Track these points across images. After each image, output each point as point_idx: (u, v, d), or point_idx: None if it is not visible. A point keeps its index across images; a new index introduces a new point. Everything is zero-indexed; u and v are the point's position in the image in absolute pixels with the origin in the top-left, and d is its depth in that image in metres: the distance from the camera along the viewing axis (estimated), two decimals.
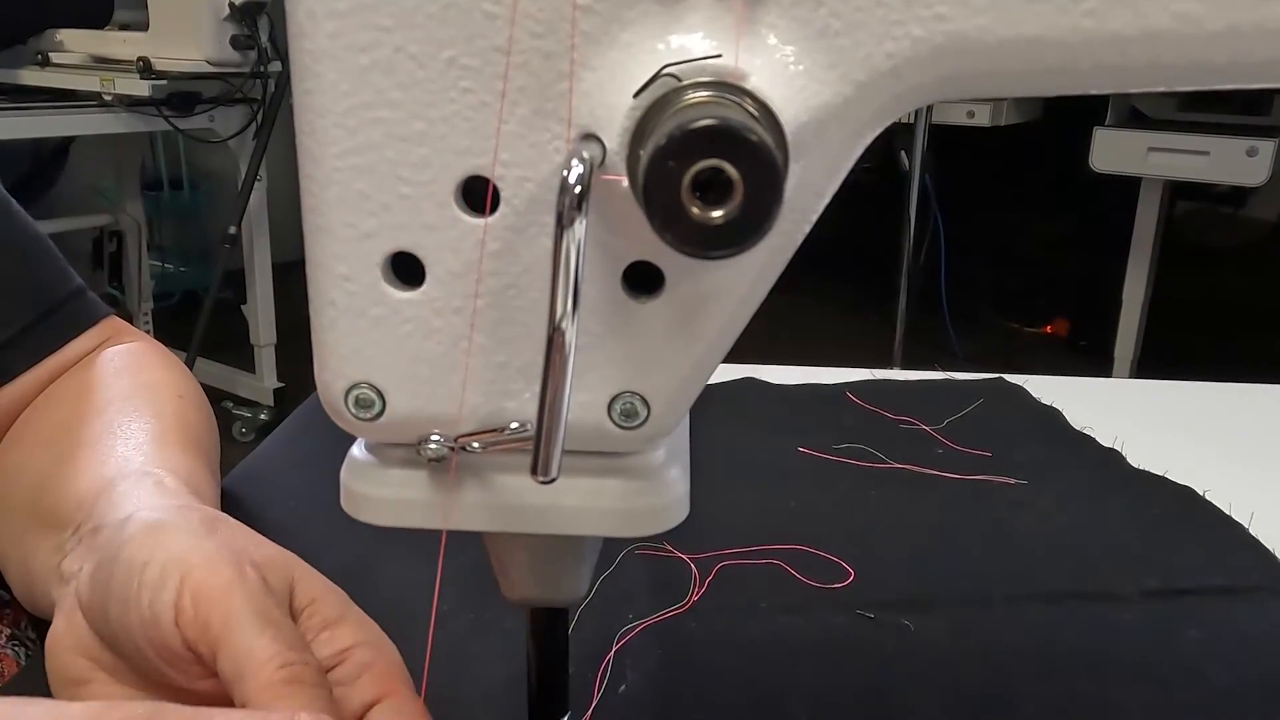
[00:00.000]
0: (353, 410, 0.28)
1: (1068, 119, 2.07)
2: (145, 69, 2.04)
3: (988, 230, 3.12)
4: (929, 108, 2.11)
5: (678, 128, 0.21)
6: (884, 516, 0.60)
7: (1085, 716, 0.44)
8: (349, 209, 0.26)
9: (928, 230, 2.46)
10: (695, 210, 0.22)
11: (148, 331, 2.51)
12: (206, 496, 0.45)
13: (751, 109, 0.23)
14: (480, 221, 0.26)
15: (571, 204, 0.22)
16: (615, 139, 0.24)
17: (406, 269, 0.27)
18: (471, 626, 0.48)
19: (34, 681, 0.40)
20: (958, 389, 0.79)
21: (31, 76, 2.23)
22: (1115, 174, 2.00)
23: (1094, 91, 0.26)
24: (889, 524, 0.59)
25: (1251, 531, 0.58)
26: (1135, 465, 0.67)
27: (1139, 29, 0.23)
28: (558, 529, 0.30)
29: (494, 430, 0.28)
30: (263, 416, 2.52)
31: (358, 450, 0.31)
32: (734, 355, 0.30)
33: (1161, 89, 0.25)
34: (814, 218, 0.27)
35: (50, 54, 2.25)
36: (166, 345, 0.61)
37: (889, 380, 0.81)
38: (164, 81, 2.07)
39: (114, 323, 0.57)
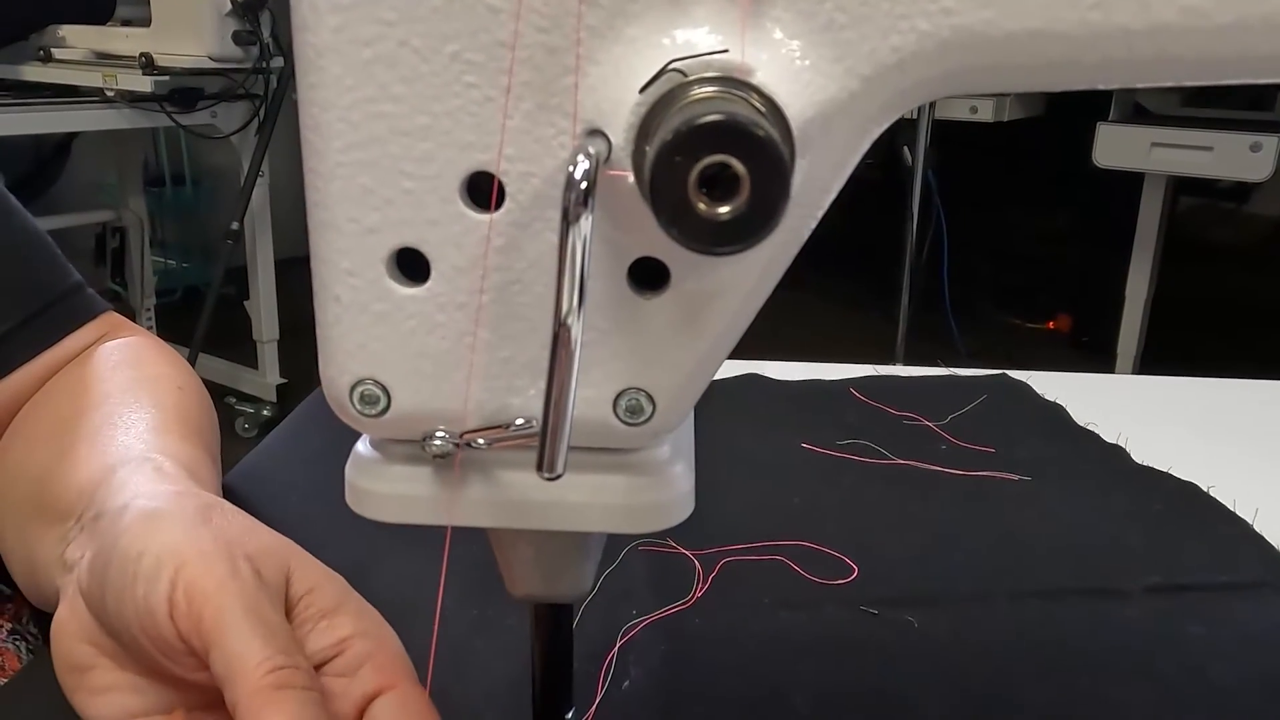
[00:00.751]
0: (358, 406, 0.28)
1: (1071, 114, 2.07)
2: (147, 65, 2.04)
3: (991, 226, 3.11)
4: (932, 103, 2.11)
5: (684, 123, 0.21)
6: (887, 513, 0.60)
7: (1087, 713, 0.44)
8: (353, 204, 0.26)
9: (930, 226, 2.46)
10: (702, 206, 0.21)
11: (150, 328, 2.52)
12: (206, 482, 0.44)
13: (758, 104, 0.23)
14: (485, 217, 0.26)
15: (577, 200, 0.22)
16: (621, 134, 0.24)
17: (411, 265, 0.27)
18: (475, 623, 0.48)
19: (37, 676, 0.40)
20: (961, 385, 0.79)
21: (34, 72, 2.23)
22: (1118, 169, 2.00)
23: (1100, 86, 0.26)
24: (892, 520, 0.59)
25: (1255, 528, 0.58)
26: (1139, 461, 0.66)
27: (1145, 23, 0.23)
28: (562, 525, 0.30)
29: (499, 427, 0.28)
30: (265, 413, 2.53)
31: (363, 446, 0.31)
32: (737, 351, 0.30)
33: (1168, 84, 0.25)
34: (820, 213, 0.26)
35: (53, 50, 2.25)
36: (169, 341, 0.61)
37: (892, 376, 0.81)
38: (166, 77, 2.07)
39: (112, 318, 0.57)
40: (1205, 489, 0.62)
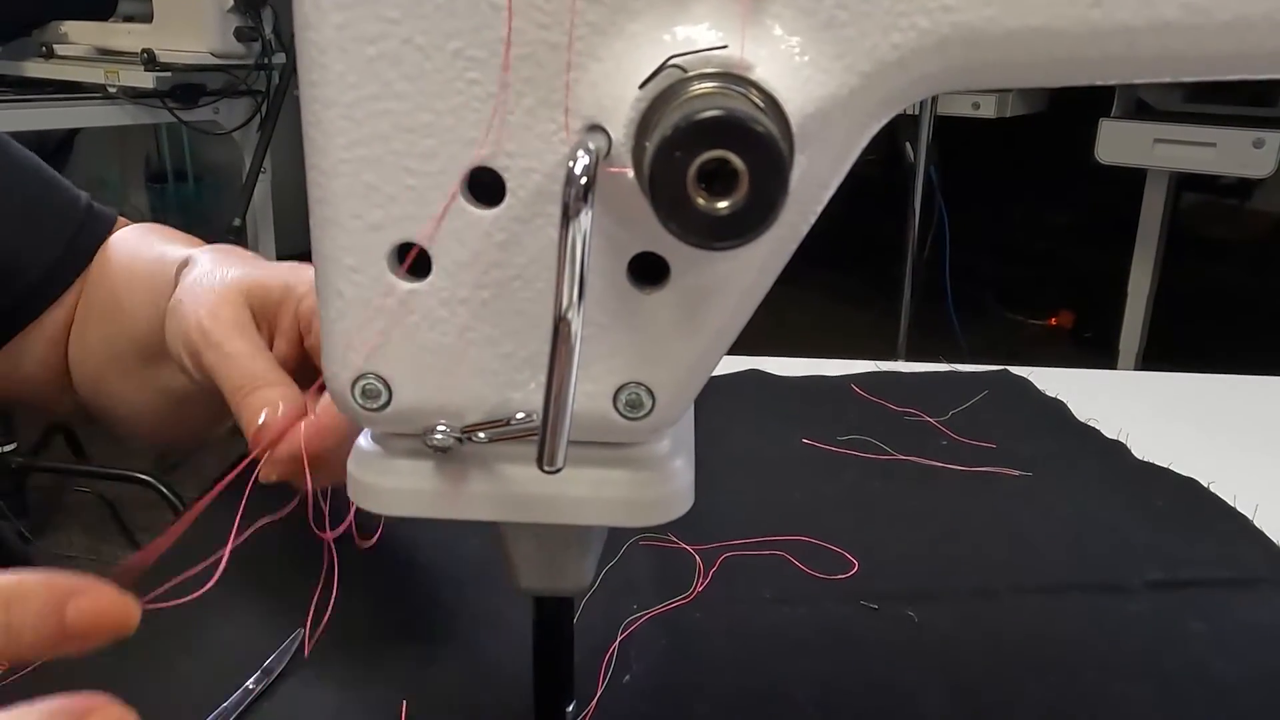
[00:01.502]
0: (359, 400, 0.28)
1: (1073, 110, 2.06)
2: (149, 61, 2.04)
3: (993, 222, 3.11)
4: (934, 99, 2.10)
5: (684, 119, 0.21)
6: (888, 508, 0.60)
7: (1088, 708, 0.44)
8: (356, 200, 0.26)
9: (932, 222, 2.45)
10: (701, 201, 0.22)
11: None
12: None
13: (757, 100, 0.23)
14: (487, 213, 0.26)
15: (577, 195, 0.22)
16: (621, 130, 0.24)
17: (413, 260, 0.27)
18: (476, 616, 0.48)
19: (32, 673, 0.40)
20: (962, 381, 0.79)
21: (36, 68, 2.23)
22: (1121, 165, 1.99)
23: (1101, 82, 0.26)
24: (893, 515, 0.59)
25: (1256, 523, 0.58)
26: (1140, 457, 0.67)
27: (1147, 19, 0.23)
28: (563, 519, 0.30)
29: (500, 421, 0.28)
30: None
31: (365, 441, 0.31)
32: (738, 347, 0.30)
33: (1169, 80, 0.25)
34: (819, 209, 0.27)
35: (54, 46, 2.25)
36: None
37: (893, 372, 0.81)
38: (168, 73, 2.06)
39: (120, 219, 0.64)
40: (1206, 485, 0.62)
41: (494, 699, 0.43)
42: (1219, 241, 3.11)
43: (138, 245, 0.59)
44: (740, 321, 0.28)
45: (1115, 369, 2.13)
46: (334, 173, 0.26)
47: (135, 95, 2.11)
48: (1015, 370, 0.81)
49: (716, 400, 0.73)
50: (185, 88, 2.13)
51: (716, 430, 0.69)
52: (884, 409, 0.74)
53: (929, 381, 0.80)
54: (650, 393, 0.28)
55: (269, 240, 2.48)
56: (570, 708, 0.38)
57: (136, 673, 0.42)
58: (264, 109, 2.25)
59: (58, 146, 2.60)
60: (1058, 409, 0.74)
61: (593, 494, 0.29)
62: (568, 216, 0.22)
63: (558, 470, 0.25)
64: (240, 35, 2.05)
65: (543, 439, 0.24)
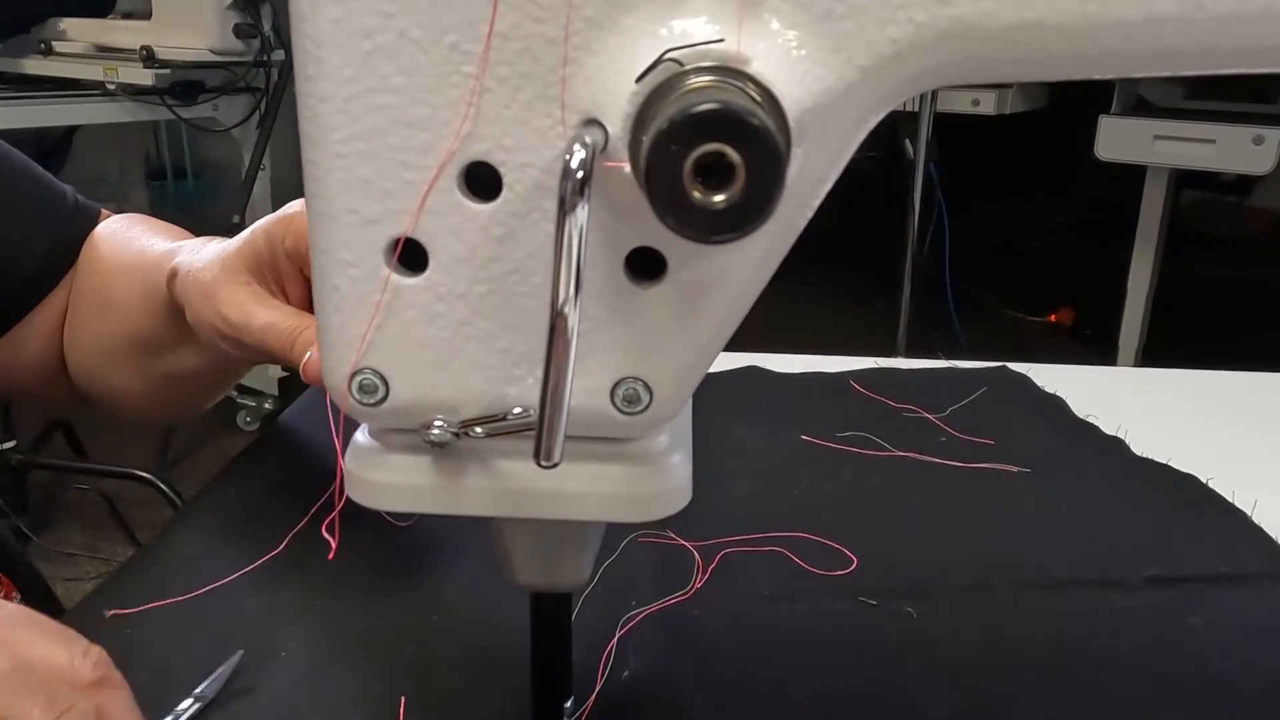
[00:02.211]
0: (356, 396, 0.28)
1: (1073, 107, 2.06)
2: (148, 58, 2.03)
3: (992, 219, 3.11)
4: (933, 96, 2.10)
5: (680, 112, 0.21)
6: (887, 504, 0.60)
7: (1087, 704, 0.44)
8: (353, 195, 0.26)
9: (932, 219, 2.45)
10: (697, 195, 0.22)
11: None
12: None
13: (754, 94, 0.23)
14: (484, 208, 0.26)
15: (574, 189, 0.22)
16: (618, 124, 0.24)
17: (410, 255, 0.27)
18: (474, 612, 0.48)
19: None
20: (961, 377, 0.79)
21: (35, 66, 2.23)
22: (1121, 162, 1.99)
23: (1099, 77, 0.26)
24: (892, 512, 0.59)
25: (1255, 519, 0.58)
26: (1138, 453, 0.67)
27: (1144, 13, 0.23)
28: (561, 514, 0.30)
29: (497, 416, 0.28)
30: (267, 405, 2.53)
31: (362, 436, 0.31)
32: (738, 343, 0.30)
33: (1167, 74, 0.25)
34: (816, 204, 0.26)
35: (53, 43, 2.24)
36: None
37: (892, 369, 0.81)
38: (167, 70, 2.06)
39: (103, 211, 0.66)
40: (1205, 481, 0.62)
41: (492, 695, 0.43)
42: (1219, 238, 3.11)
43: (124, 239, 0.61)
44: (738, 316, 0.28)
45: (1115, 365, 2.13)
46: (330, 167, 0.26)
47: (134, 92, 2.10)
48: (1014, 366, 0.81)
49: (715, 397, 0.73)
50: (184, 85, 2.13)
51: (716, 427, 0.69)
52: (883, 405, 0.74)
53: (928, 378, 0.79)
54: (648, 388, 0.28)
55: None
56: (569, 704, 0.38)
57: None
58: (263, 106, 2.25)
59: (56, 144, 2.59)
60: (1057, 405, 0.74)
61: (590, 489, 0.29)
62: (564, 211, 0.22)
63: (554, 465, 0.25)
64: (239, 32, 2.05)
65: (539, 434, 0.24)
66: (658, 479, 0.30)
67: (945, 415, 0.72)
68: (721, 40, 0.23)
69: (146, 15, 2.11)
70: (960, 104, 2.18)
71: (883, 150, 2.65)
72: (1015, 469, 0.64)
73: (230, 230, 0.55)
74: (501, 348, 0.28)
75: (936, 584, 0.52)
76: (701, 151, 0.21)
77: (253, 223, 0.52)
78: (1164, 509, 0.60)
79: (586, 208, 0.22)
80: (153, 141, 3.32)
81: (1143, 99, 2.09)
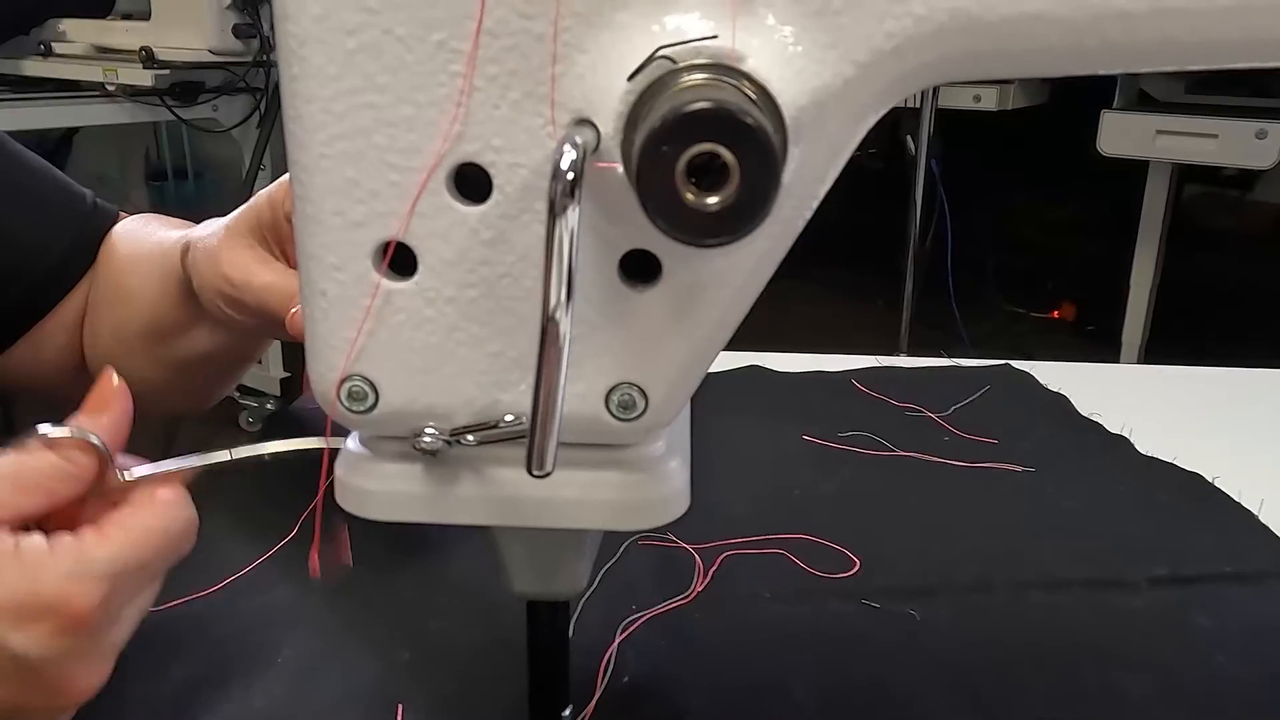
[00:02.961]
0: (345, 403, 0.28)
1: (1075, 102, 2.05)
2: (148, 59, 2.03)
3: (995, 215, 3.10)
4: (935, 92, 2.09)
5: (672, 111, 0.20)
6: (889, 505, 0.60)
7: (1092, 704, 0.43)
8: (338, 197, 0.26)
9: (934, 216, 2.44)
10: (690, 196, 0.21)
11: None
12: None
13: (749, 91, 0.22)
14: (474, 210, 0.26)
15: (564, 190, 0.21)
16: (610, 123, 0.23)
17: (398, 258, 0.26)
18: (474, 618, 0.48)
19: None
20: (964, 376, 0.79)
21: (34, 67, 2.22)
22: (1123, 157, 1.98)
23: (1101, 71, 0.25)
24: (894, 512, 0.59)
25: (1261, 518, 0.57)
26: (1143, 451, 0.66)
27: (1147, 6, 0.23)
28: (556, 522, 0.29)
29: (489, 423, 0.28)
30: (269, 406, 2.52)
31: (353, 443, 0.30)
32: (739, 343, 0.29)
33: (1170, 68, 0.25)
34: (815, 204, 0.26)
35: (53, 44, 2.24)
36: None
37: (894, 367, 0.81)
38: (167, 71, 2.06)
39: (120, 213, 0.67)
40: (1210, 479, 0.62)
41: (490, 702, 0.42)
42: (1221, 233, 3.10)
43: (139, 234, 0.63)
44: (736, 319, 0.27)
45: (1118, 361, 2.12)
46: (315, 168, 0.25)
47: (134, 93, 2.10)
48: (1017, 365, 0.80)
49: (716, 397, 0.72)
50: (184, 85, 2.13)
51: (716, 427, 0.68)
52: (885, 404, 0.73)
53: (930, 376, 0.79)
54: (643, 393, 0.27)
55: None
56: (567, 712, 0.37)
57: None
58: (263, 106, 2.24)
59: (57, 145, 2.59)
60: (1060, 404, 0.74)
61: (585, 497, 0.29)
62: (554, 213, 0.22)
63: (547, 474, 0.24)
64: (238, 32, 2.04)
65: (531, 442, 0.24)
66: (655, 485, 0.29)
67: (948, 414, 0.71)
68: (715, 37, 0.22)
69: (146, 16, 2.11)
70: (962, 100, 2.17)
71: (884, 147, 2.64)
72: (1019, 468, 0.64)
73: None
74: (493, 353, 0.27)
75: (940, 585, 0.52)
76: (694, 152, 0.20)
77: None
78: (1169, 508, 0.59)
79: (577, 210, 0.22)
80: (153, 142, 3.31)
81: (1145, 94, 2.08)
